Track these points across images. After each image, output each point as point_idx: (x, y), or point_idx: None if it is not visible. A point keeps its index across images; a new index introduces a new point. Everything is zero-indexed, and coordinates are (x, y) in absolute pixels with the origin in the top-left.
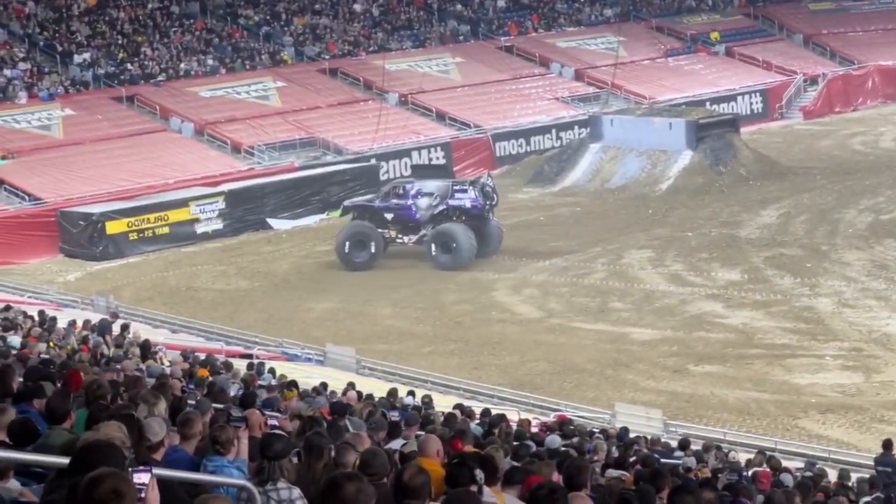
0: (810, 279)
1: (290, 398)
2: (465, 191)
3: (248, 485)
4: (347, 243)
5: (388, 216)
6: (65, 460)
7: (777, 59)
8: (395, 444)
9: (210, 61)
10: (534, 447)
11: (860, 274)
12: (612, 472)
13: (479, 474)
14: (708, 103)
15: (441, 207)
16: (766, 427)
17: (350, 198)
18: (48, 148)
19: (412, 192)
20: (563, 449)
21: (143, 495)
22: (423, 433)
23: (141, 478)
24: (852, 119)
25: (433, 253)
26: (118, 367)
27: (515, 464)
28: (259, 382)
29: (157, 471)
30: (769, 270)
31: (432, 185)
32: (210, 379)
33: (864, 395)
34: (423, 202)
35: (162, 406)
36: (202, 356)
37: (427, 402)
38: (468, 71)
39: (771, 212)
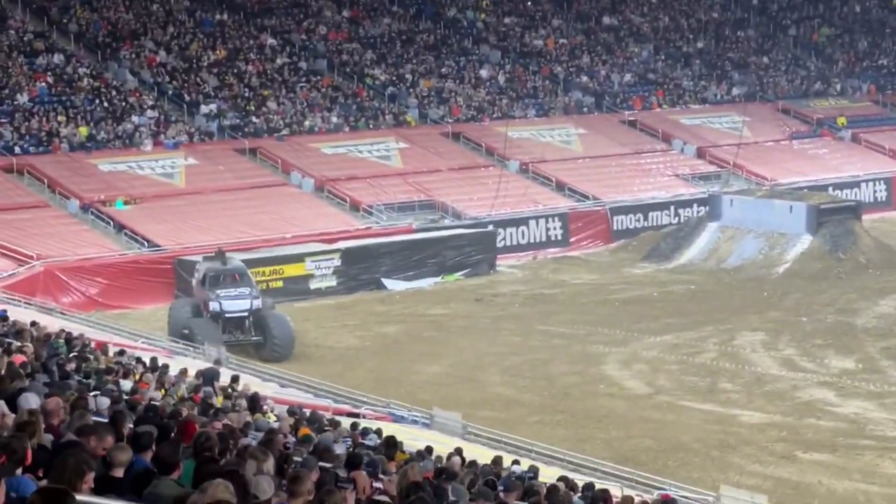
0: None
1: (400, 459)
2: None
3: None
4: None
5: None
6: None
7: None
8: None
9: (334, 118)
10: None
11: None
12: None
13: None
14: (830, 188)
15: None
16: None
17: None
18: (170, 196)
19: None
20: None
21: None
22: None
23: None
24: None
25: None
26: (226, 418)
27: None
28: (364, 442)
29: None
30: (884, 361)
31: None
32: (316, 438)
33: None
34: None
35: (270, 463)
36: (308, 412)
37: (532, 472)
38: (590, 142)
39: (889, 302)
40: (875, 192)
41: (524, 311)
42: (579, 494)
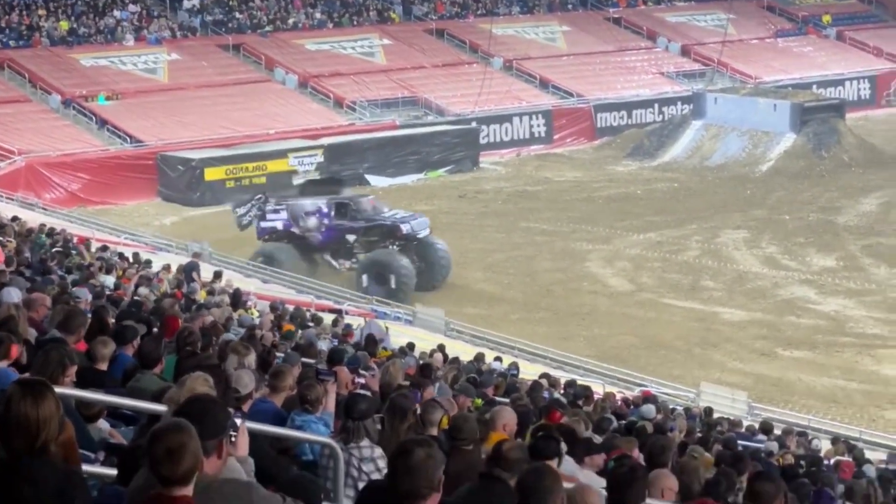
0: None
1: (382, 356)
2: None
3: (332, 442)
4: None
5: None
6: (158, 406)
7: (888, 45)
8: None
9: (318, 15)
10: (616, 421)
11: None
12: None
13: (563, 447)
14: (815, 87)
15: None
16: (851, 416)
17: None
18: (152, 91)
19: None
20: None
21: (234, 439)
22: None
23: (235, 423)
24: None
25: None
26: (208, 314)
27: (597, 437)
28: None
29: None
30: (865, 259)
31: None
32: (298, 333)
33: None
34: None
35: (251, 358)
36: (291, 308)
37: (515, 368)
38: (574, 40)
39: (871, 200)
40: (859, 90)
41: (507, 208)
42: (561, 391)
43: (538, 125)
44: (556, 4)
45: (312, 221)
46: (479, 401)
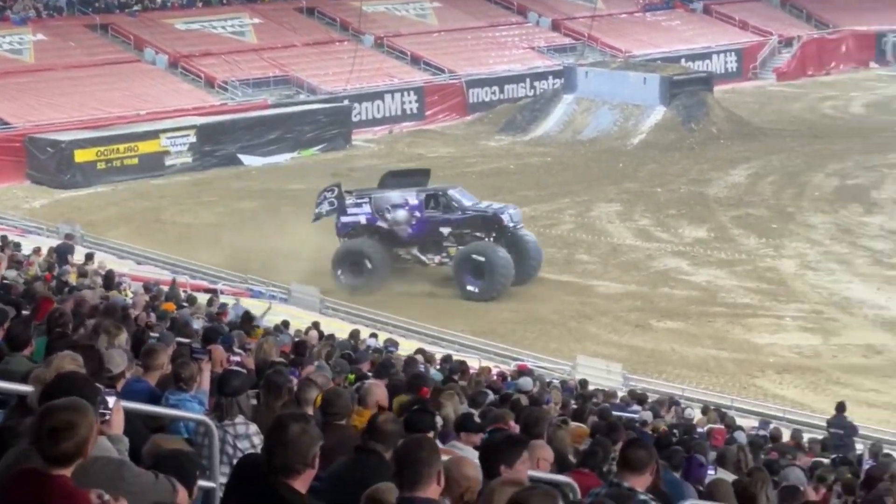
0: (775, 240)
1: (258, 335)
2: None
3: (207, 419)
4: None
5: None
6: (25, 388)
7: (754, 19)
8: None
9: None
10: (492, 395)
11: (824, 237)
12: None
13: (439, 421)
14: (683, 60)
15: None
16: (723, 385)
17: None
18: (18, 72)
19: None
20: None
21: (107, 417)
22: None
23: (108, 401)
24: (824, 83)
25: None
26: (80, 295)
27: (473, 411)
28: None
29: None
30: (735, 230)
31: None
32: (174, 312)
33: (820, 357)
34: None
35: (123, 337)
36: (166, 289)
37: (390, 345)
38: (445, 16)
39: (740, 171)
40: (726, 63)
41: None
42: (437, 366)
43: (410, 102)
44: None
45: (401, 214)
46: (353, 376)
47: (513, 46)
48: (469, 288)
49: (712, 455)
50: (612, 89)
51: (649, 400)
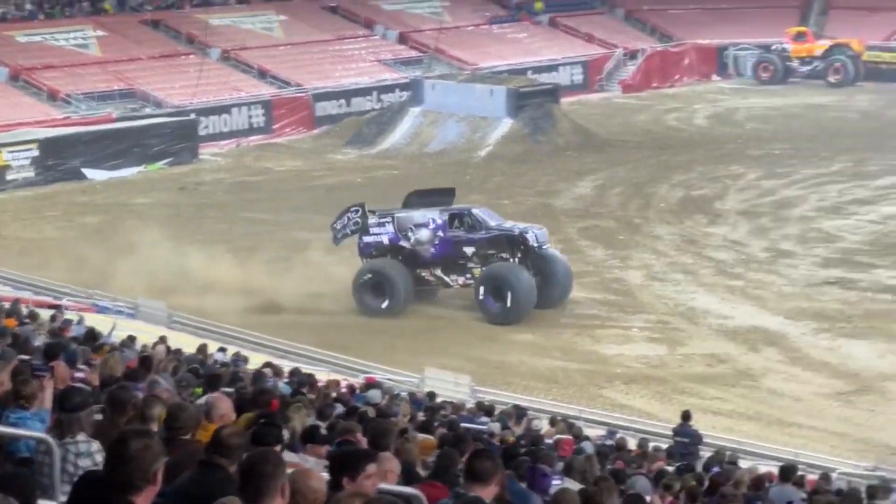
0: (622, 251)
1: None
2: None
3: (47, 438)
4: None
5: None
6: None
7: (599, 32)
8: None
9: (28, 6)
10: (340, 408)
11: (669, 248)
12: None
13: (286, 434)
14: (529, 72)
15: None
16: (571, 396)
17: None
18: None
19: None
20: (365, 411)
21: None
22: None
23: None
24: (669, 95)
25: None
26: None
27: (320, 423)
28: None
29: None
30: (582, 241)
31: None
32: (15, 328)
33: (667, 366)
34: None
35: None
36: (7, 305)
37: (242, 359)
38: (291, 29)
39: (587, 183)
40: (572, 75)
41: (228, 199)
42: (286, 379)
43: (257, 115)
44: None
45: (425, 234)
46: (199, 389)
47: (360, 59)
48: (490, 310)
49: (559, 465)
50: (458, 102)
51: (497, 411)
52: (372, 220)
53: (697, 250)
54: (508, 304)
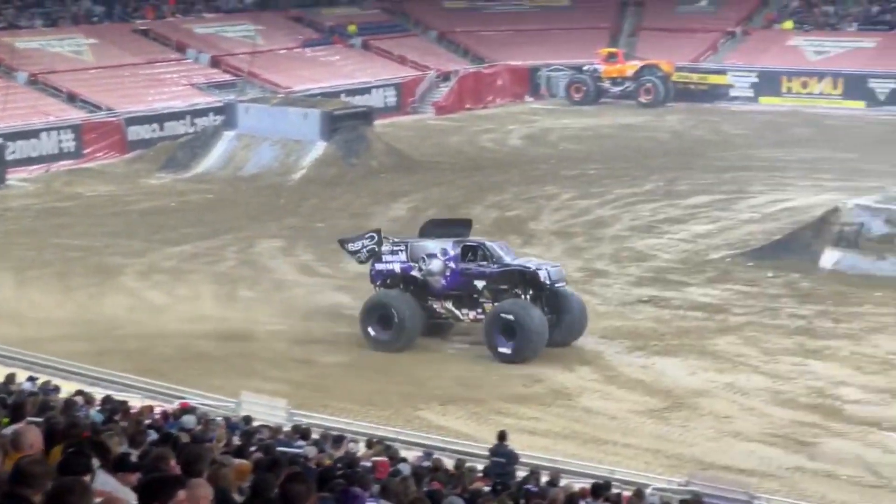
0: None
1: None
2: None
3: None
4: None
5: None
6: None
7: (412, 54)
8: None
9: None
10: (154, 434)
11: None
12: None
13: (95, 462)
14: (343, 95)
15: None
16: (389, 417)
17: None
18: None
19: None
20: (178, 436)
21: None
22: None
23: None
24: (482, 116)
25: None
26: None
27: (132, 451)
28: None
29: None
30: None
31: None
32: None
33: (483, 387)
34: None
35: None
36: None
37: (48, 388)
38: (102, 53)
39: (401, 205)
40: (385, 97)
41: (37, 225)
42: (98, 407)
43: (67, 140)
44: (80, 17)
45: (436, 264)
46: (7, 419)
47: (172, 83)
48: (501, 349)
49: (376, 487)
50: (272, 125)
51: (314, 434)
52: (385, 247)
53: None
54: (519, 342)
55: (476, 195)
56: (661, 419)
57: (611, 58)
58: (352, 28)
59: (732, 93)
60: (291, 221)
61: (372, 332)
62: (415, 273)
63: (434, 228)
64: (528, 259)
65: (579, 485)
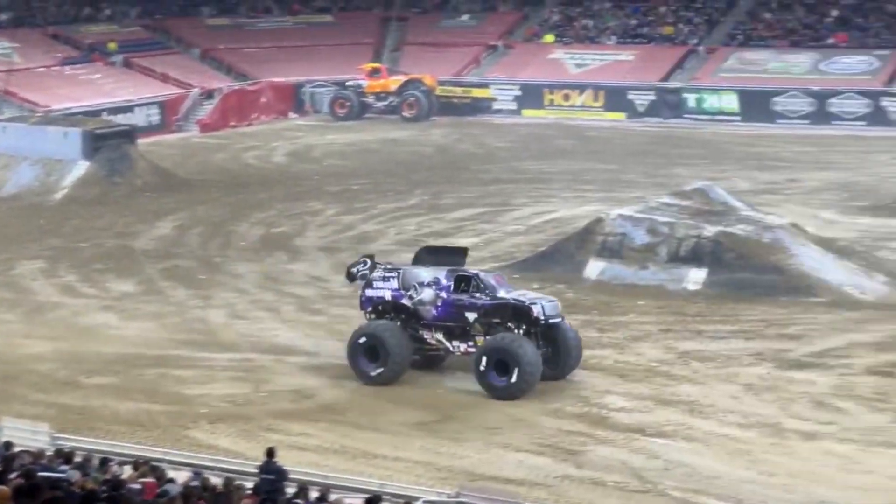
0: (203, 291)
1: None
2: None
3: None
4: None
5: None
6: None
7: (175, 71)
8: None
9: None
10: None
11: (252, 286)
12: None
13: None
14: (105, 113)
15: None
16: (156, 438)
17: None
18: None
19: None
20: None
21: None
22: None
23: None
24: (247, 133)
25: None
26: None
27: None
28: None
29: None
30: (163, 282)
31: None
32: None
33: (252, 404)
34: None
35: None
36: None
37: None
38: None
39: (166, 223)
40: (148, 116)
41: None
42: None
43: None
44: None
45: (427, 294)
46: None
47: None
48: (493, 384)
49: None
50: (31, 144)
51: (77, 458)
52: (377, 273)
53: (279, 287)
54: (514, 378)
55: (241, 212)
56: (432, 432)
57: (374, 73)
58: (112, 45)
59: (496, 106)
60: (53, 242)
61: (360, 366)
62: (405, 301)
63: (428, 256)
64: (523, 293)
65: (349, 500)
